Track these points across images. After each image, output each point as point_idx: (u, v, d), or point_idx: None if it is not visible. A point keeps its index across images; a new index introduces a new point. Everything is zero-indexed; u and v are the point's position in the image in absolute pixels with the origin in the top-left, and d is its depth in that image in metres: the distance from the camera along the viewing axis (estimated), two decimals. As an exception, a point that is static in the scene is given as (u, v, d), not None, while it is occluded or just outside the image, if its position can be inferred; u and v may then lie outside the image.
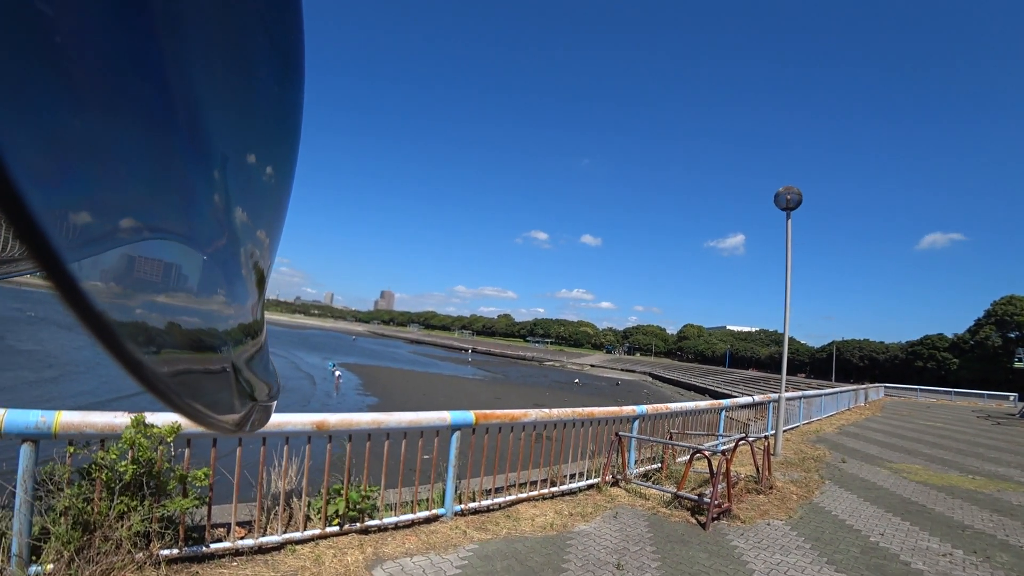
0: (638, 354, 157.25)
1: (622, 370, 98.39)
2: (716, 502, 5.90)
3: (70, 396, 20.96)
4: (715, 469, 6.12)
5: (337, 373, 37.49)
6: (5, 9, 0.22)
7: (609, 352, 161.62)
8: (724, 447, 6.89)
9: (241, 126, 0.45)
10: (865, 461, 10.55)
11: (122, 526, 3.48)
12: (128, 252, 0.32)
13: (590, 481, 6.85)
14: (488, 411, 5.71)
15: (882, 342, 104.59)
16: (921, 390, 42.54)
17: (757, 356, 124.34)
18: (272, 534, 4.16)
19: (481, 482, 5.63)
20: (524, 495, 5.99)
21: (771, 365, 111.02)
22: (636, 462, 7.74)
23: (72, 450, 3.40)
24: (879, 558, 5.25)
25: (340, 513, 4.48)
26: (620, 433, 7.18)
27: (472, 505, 5.43)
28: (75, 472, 3.48)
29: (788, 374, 11.30)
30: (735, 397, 13.51)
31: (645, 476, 7.53)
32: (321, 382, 35.55)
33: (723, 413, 10.69)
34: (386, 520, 4.77)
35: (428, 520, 5.08)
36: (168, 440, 3.57)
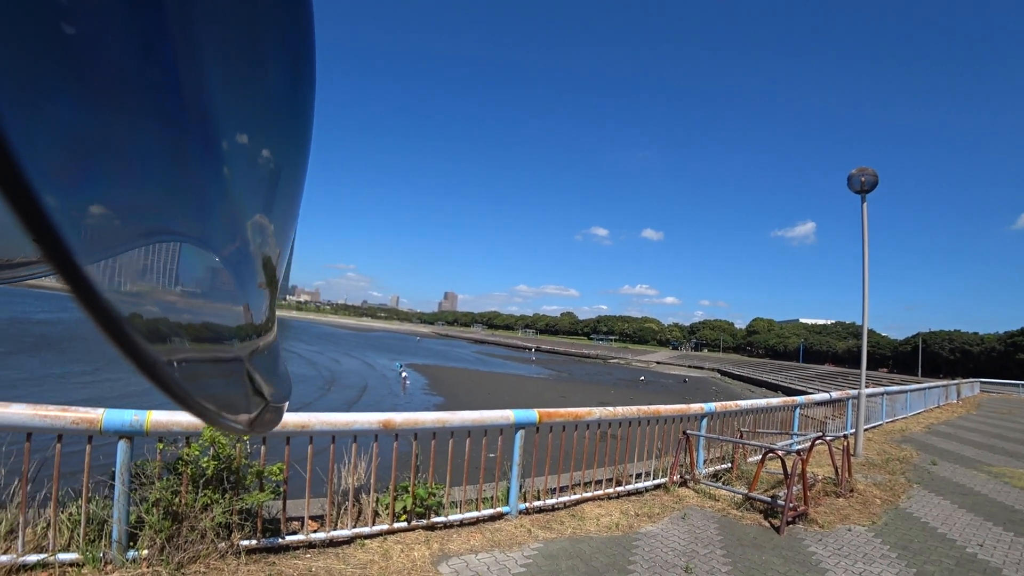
0: (705, 350, 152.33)
1: (689, 367, 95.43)
2: (791, 504, 5.61)
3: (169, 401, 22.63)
4: (790, 470, 5.81)
5: (404, 374, 38.46)
6: (20, 9, 0.22)
7: (675, 348, 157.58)
8: (799, 446, 6.55)
9: (253, 127, 0.45)
10: (959, 464, 9.74)
11: (206, 517, 3.69)
12: (141, 253, 0.32)
13: (657, 481, 6.68)
14: (552, 410, 5.68)
15: (976, 333, 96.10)
16: (1024, 386, 38.84)
17: (833, 350, 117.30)
18: (343, 528, 4.31)
19: (546, 481, 5.60)
20: (589, 494, 5.92)
21: (849, 359, 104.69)
22: (705, 462, 7.48)
23: (161, 446, 3.65)
24: (977, 571, 4.82)
25: (407, 509, 4.58)
26: (688, 432, 6.96)
27: (537, 504, 5.41)
28: (164, 467, 3.73)
29: (868, 369, 10.59)
30: (810, 394, 12.83)
31: (715, 476, 7.26)
32: (390, 382, 36.66)
33: (797, 411, 10.18)
34: (452, 517, 4.83)
35: (493, 518, 5.11)
36: (245, 438, 3.76)
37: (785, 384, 59.10)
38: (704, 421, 7.47)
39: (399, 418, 4.51)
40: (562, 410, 5.85)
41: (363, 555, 4.18)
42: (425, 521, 4.68)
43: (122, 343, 0.27)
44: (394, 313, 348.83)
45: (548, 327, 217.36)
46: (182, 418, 3.65)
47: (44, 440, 3.51)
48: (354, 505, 4.45)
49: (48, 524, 3.47)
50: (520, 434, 5.29)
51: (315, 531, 4.19)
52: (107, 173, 0.28)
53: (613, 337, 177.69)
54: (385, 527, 4.47)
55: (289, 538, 4.05)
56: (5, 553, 3.35)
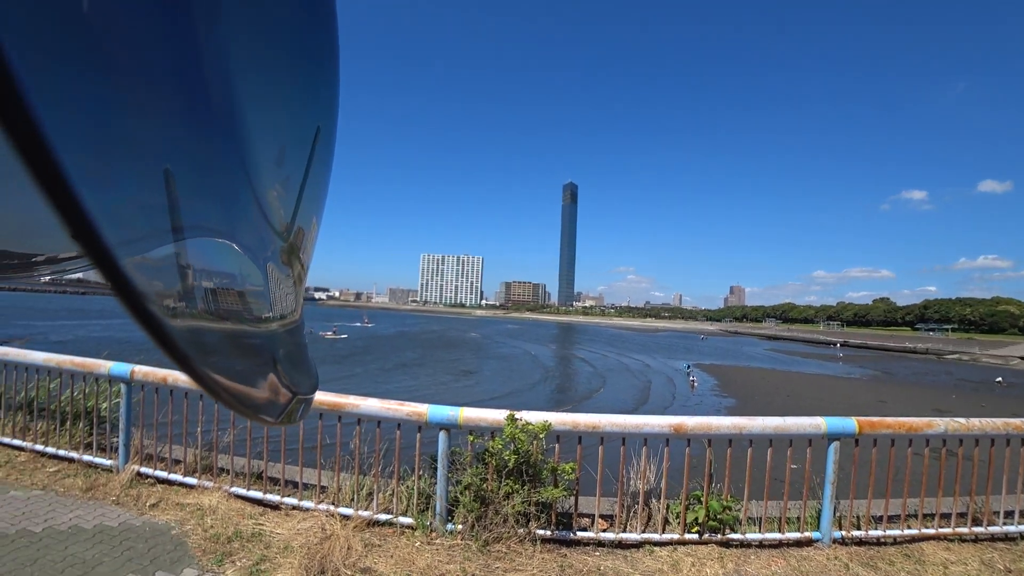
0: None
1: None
2: None
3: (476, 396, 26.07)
4: None
5: (692, 377, 37.29)
6: (57, 13, 0.23)
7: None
8: None
9: (278, 125, 0.46)
10: None
11: (508, 504, 3.97)
12: (173, 249, 0.33)
13: (1040, 524, 4.97)
14: (875, 419, 4.60)
15: None
16: None
17: None
18: (631, 531, 4.21)
19: (868, 506, 4.61)
20: (931, 531, 4.68)
21: None
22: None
23: (472, 439, 4.02)
24: None
25: (699, 521, 4.24)
26: (1091, 459, 4.98)
27: (856, 533, 4.50)
28: (474, 456, 4.11)
29: None
30: None
31: None
32: (677, 383, 35.85)
33: None
34: (749, 536, 4.33)
35: (799, 543, 4.42)
36: (540, 436, 3.88)
37: None
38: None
39: (691, 422, 4.16)
40: (889, 419, 4.69)
41: (651, 562, 4.02)
42: (719, 536, 4.28)
43: (156, 335, 0.28)
44: (677, 312, 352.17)
45: (856, 317, 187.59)
46: (487, 415, 3.95)
47: (388, 427, 4.21)
48: (643, 509, 4.30)
49: (392, 493, 4.18)
50: (834, 447, 4.43)
51: (604, 530, 4.19)
52: (140, 171, 0.28)
53: (948, 326, 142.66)
54: (675, 536, 4.23)
55: (580, 534, 4.12)
56: (365, 510, 4.15)
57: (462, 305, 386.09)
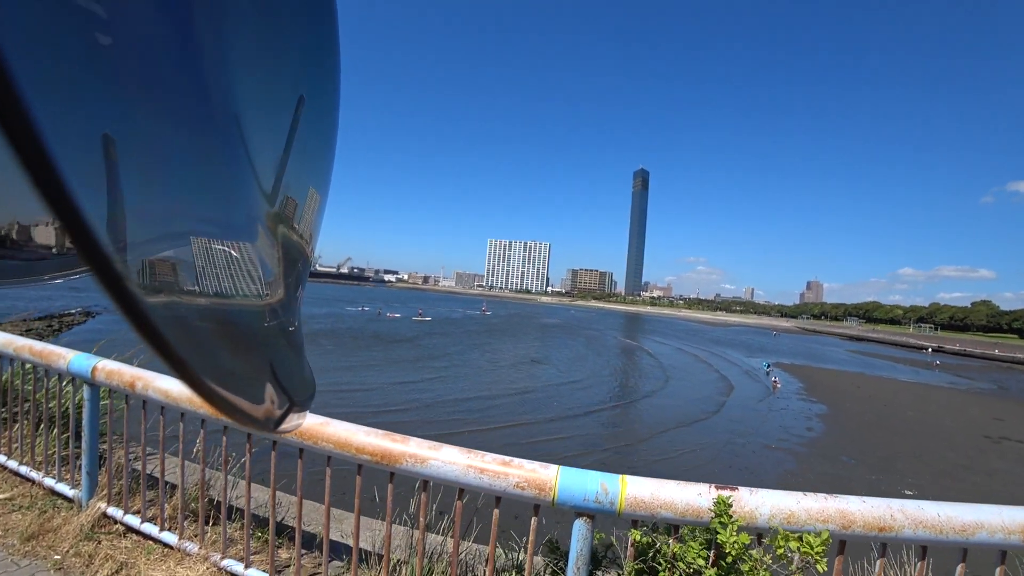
0: None
1: None
2: None
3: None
4: None
5: (774, 378, 34.41)
6: (57, 17, 0.23)
7: None
8: None
9: (277, 127, 0.45)
10: None
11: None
12: (171, 250, 0.32)
13: None
14: None
15: None
16: None
17: None
18: None
19: None
20: None
21: None
22: None
23: (638, 536, 2.12)
24: None
25: None
26: None
27: None
28: (637, 559, 2.22)
29: None
30: None
31: None
32: (759, 384, 33.31)
33: None
34: None
35: None
36: (817, 563, 1.88)
37: None
38: None
39: None
40: None
41: None
42: None
43: (152, 340, 0.27)
44: (750, 306, 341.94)
45: (953, 321, 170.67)
46: (674, 496, 2.02)
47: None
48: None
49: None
50: None
51: None
52: (139, 176, 0.28)
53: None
54: None
55: None
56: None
57: (528, 291, 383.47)
